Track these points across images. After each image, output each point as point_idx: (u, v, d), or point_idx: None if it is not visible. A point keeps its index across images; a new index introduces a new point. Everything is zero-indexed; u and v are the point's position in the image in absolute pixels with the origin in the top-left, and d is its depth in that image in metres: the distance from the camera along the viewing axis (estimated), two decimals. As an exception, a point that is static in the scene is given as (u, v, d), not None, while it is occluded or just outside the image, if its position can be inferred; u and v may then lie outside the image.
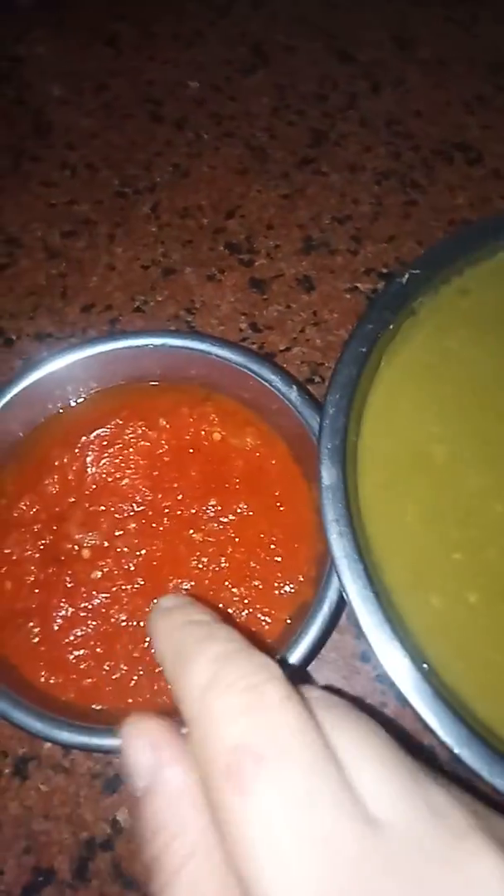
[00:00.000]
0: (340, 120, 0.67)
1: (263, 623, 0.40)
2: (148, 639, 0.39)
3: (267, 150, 0.64)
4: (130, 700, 0.38)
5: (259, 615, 0.40)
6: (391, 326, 0.45)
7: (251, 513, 0.42)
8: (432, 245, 0.49)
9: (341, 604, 0.38)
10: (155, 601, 0.29)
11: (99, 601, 0.40)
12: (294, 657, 0.36)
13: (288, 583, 0.41)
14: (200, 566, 0.41)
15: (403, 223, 0.60)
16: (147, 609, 0.40)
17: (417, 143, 0.65)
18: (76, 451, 0.44)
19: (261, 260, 0.58)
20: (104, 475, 0.43)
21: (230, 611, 0.40)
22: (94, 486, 0.43)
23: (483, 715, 0.36)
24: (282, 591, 0.41)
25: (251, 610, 0.40)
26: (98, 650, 0.39)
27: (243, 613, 0.40)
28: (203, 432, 0.44)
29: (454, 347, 0.46)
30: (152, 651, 0.39)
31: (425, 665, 0.36)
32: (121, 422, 0.44)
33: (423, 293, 0.47)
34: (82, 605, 0.40)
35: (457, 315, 0.47)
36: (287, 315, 0.56)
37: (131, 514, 0.42)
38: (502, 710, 0.37)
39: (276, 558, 0.41)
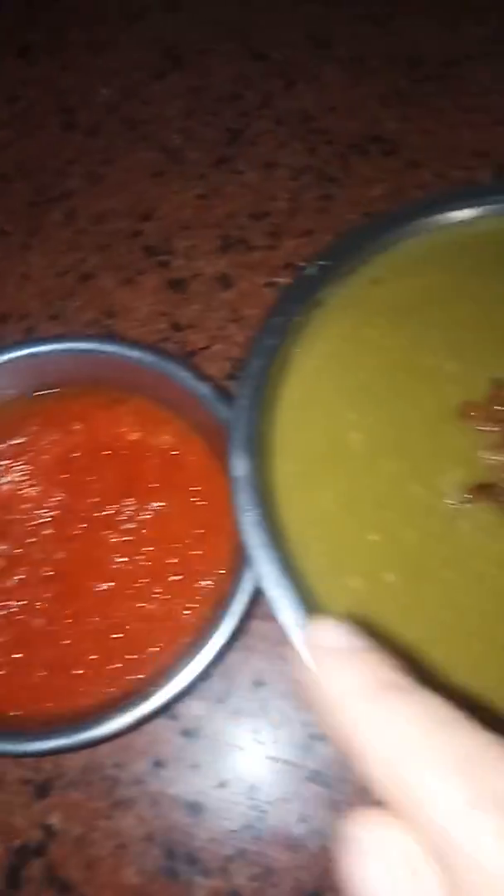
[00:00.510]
0: (256, 118, 0.67)
1: (184, 616, 0.40)
2: (68, 642, 0.39)
3: (182, 151, 0.65)
4: (50, 704, 0.37)
5: (180, 609, 0.40)
6: (301, 318, 0.46)
7: (170, 510, 0.43)
8: (339, 236, 0.50)
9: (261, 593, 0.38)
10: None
11: (16, 608, 0.40)
12: (211, 648, 0.37)
13: (208, 576, 0.41)
14: (119, 566, 0.41)
15: (320, 217, 0.61)
16: (66, 612, 0.40)
17: (332, 138, 0.65)
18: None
19: (178, 260, 0.59)
20: (16, 483, 0.43)
21: (151, 606, 0.40)
22: (6, 496, 0.43)
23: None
24: (202, 584, 0.41)
25: (172, 605, 0.40)
26: (14, 656, 0.38)
27: (164, 608, 0.40)
28: (119, 434, 0.45)
29: (369, 336, 0.47)
30: (69, 651, 0.39)
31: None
32: (35, 429, 0.44)
33: (332, 284, 0.48)
34: (-1, 613, 0.40)
35: (370, 304, 0.48)
36: (207, 313, 0.56)
37: (46, 520, 0.42)
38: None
39: (196, 552, 0.42)
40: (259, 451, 0.42)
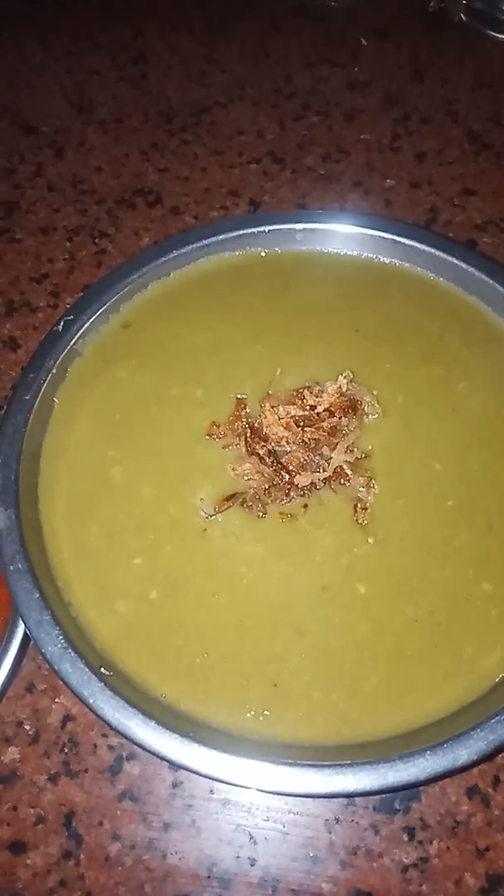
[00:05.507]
0: (30, 189, 0.71)
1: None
2: None
3: (-39, 229, 0.68)
4: None
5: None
6: (55, 371, 0.49)
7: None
8: (84, 291, 0.54)
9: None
10: None
11: None
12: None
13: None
14: None
15: (96, 271, 0.65)
16: None
17: (102, 197, 0.70)
18: None
19: (-34, 332, 0.62)
20: None
21: None
22: None
23: (171, 698, 0.40)
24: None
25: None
26: None
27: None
28: None
29: (122, 376, 0.51)
30: None
31: (104, 670, 0.40)
32: None
33: (88, 334, 0.52)
34: None
35: (122, 347, 0.52)
36: (-4, 376, 0.59)
37: None
38: (187, 688, 0.41)
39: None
40: (24, 500, 0.45)
